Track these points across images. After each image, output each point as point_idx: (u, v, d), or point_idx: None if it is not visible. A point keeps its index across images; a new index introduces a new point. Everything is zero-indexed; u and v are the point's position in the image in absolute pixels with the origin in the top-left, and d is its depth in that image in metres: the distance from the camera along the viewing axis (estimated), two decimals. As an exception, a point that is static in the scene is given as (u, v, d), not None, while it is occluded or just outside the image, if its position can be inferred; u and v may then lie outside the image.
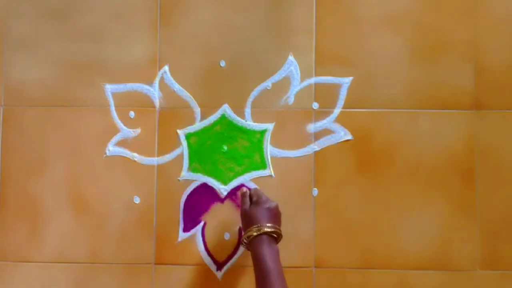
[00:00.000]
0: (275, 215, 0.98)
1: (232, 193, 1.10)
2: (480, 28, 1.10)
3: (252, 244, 0.93)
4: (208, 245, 1.09)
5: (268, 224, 0.94)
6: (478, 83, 1.09)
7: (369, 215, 1.08)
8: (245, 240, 0.96)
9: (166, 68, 1.12)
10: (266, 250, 0.91)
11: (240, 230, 1.09)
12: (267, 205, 0.97)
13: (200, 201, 1.10)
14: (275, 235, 0.94)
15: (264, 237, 0.93)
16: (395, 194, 1.08)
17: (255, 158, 1.10)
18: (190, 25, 1.12)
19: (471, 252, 1.07)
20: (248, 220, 0.97)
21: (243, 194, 1.02)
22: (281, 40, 1.11)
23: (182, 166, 1.11)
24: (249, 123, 1.11)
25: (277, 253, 0.93)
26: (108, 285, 1.10)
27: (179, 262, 1.09)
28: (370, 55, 1.10)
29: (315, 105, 1.10)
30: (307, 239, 1.08)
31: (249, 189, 1.06)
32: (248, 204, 1.00)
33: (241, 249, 1.09)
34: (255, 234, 0.93)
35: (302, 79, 1.11)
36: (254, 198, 1.00)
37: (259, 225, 0.94)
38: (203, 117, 1.11)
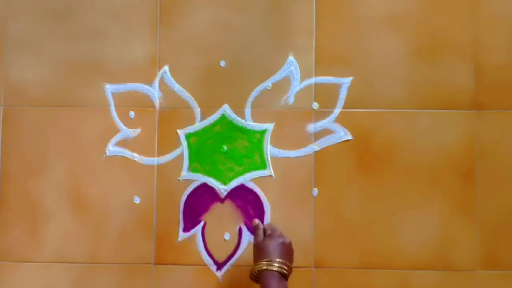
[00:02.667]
0: (288, 251, 0.96)
1: (232, 193, 1.10)
2: (480, 28, 1.10)
3: (262, 278, 0.91)
4: (208, 245, 1.09)
5: (279, 260, 0.92)
6: (478, 83, 1.09)
7: (369, 215, 1.08)
8: (254, 273, 0.94)
9: (166, 68, 1.12)
10: (275, 286, 0.90)
11: (240, 230, 1.09)
12: (281, 240, 0.95)
13: (200, 201, 1.10)
14: (285, 272, 0.92)
15: (275, 272, 0.91)
16: (395, 194, 1.08)
17: (255, 158, 1.10)
18: (190, 25, 1.12)
19: (471, 252, 1.07)
20: (260, 252, 0.95)
21: (256, 226, 1.00)
22: (281, 40, 1.11)
23: (182, 166, 1.11)
24: (249, 123, 1.11)
25: None
26: (108, 285, 1.10)
27: (179, 262, 1.09)
28: (370, 55, 1.10)
29: (315, 105, 1.10)
30: (307, 239, 1.08)
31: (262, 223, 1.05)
32: (262, 236, 0.98)
33: (241, 249, 1.09)
34: (264, 268, 0.92)
35: (302, 79, 1.11)
36: (268, 232, 0.98)
37: (270, 259, 0.92)
38: (203, 117, 1.11)
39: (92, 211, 1.11)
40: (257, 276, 0.93)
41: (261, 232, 0.99)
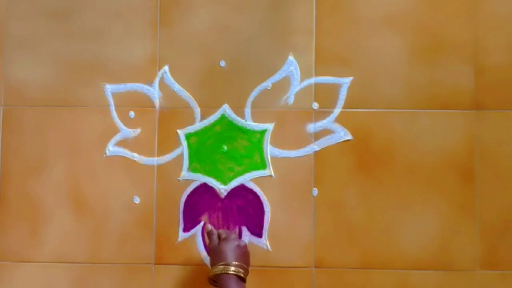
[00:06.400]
0: (243, 253, 0.96)
1: (232, 193, 1.10)
2: (480, 28, 1.10)
3: (220, 282, 0.91)
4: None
5: (235, 263, 0.92)
6: (478, 83, 1.09)
7: (369, 215, 1.08)
8: (212, 277, 0.94)
9: (166, 68, 1.12)
10: None
11: (240, 230, 1.09)
12: (236, 243, 0.96)
13: (200, 201, 1.10)
14: (242, 275, 0.92)
15: (232, 275, 0.91)
16: (395, 194, 1.08)
17: (255, 158, 1.10)
18: (190, 25, 1.12)
19: (471, 252, 1.07)
20: (216, 256, 0.95)
21: (210, 232, 1.00)
22: (281, 40, 1.11)
23: (182, 166, 1.11)
24: (249, 123, 1.11)
25: None
26: (108, 285, 1.10)
27: (179, 262, 1.09)
28: (370, 55, 1.10)
29: (315, 105, 1.10)
30: (307, 239, 1.08)
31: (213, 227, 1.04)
32: (217, 241, 0.97)
33: (241, 249, 1.09)
34: (221, 272, 0.91)
35: (302, 79, 1.11)
36: (224, 236, 0.98)
37: (226, 262, 0.92)
38: (203, 117, 1.11)
39: (92, 211, 1.11)
40: (215, 280, 0.93)
41: (215, 237, 0.98)
